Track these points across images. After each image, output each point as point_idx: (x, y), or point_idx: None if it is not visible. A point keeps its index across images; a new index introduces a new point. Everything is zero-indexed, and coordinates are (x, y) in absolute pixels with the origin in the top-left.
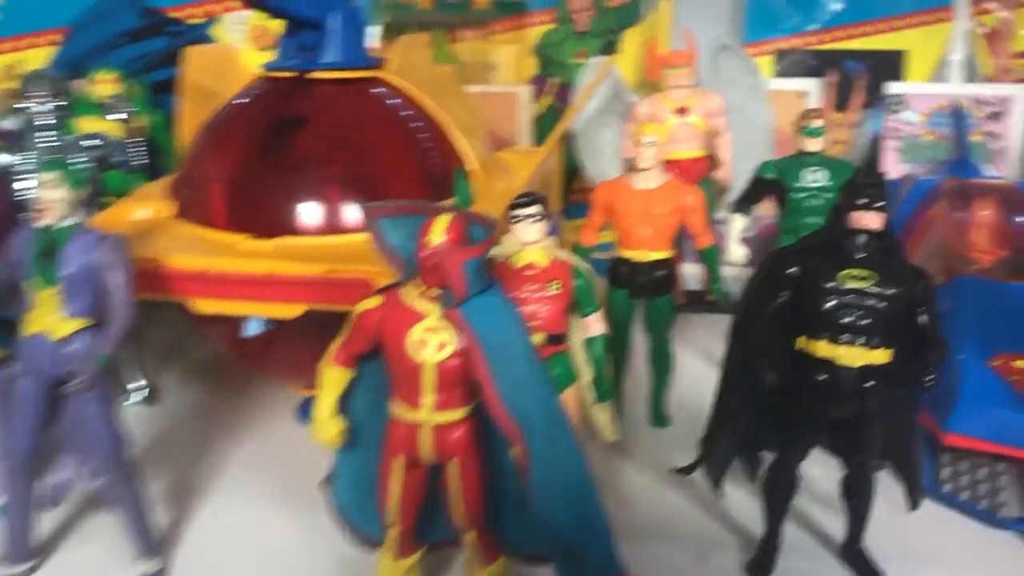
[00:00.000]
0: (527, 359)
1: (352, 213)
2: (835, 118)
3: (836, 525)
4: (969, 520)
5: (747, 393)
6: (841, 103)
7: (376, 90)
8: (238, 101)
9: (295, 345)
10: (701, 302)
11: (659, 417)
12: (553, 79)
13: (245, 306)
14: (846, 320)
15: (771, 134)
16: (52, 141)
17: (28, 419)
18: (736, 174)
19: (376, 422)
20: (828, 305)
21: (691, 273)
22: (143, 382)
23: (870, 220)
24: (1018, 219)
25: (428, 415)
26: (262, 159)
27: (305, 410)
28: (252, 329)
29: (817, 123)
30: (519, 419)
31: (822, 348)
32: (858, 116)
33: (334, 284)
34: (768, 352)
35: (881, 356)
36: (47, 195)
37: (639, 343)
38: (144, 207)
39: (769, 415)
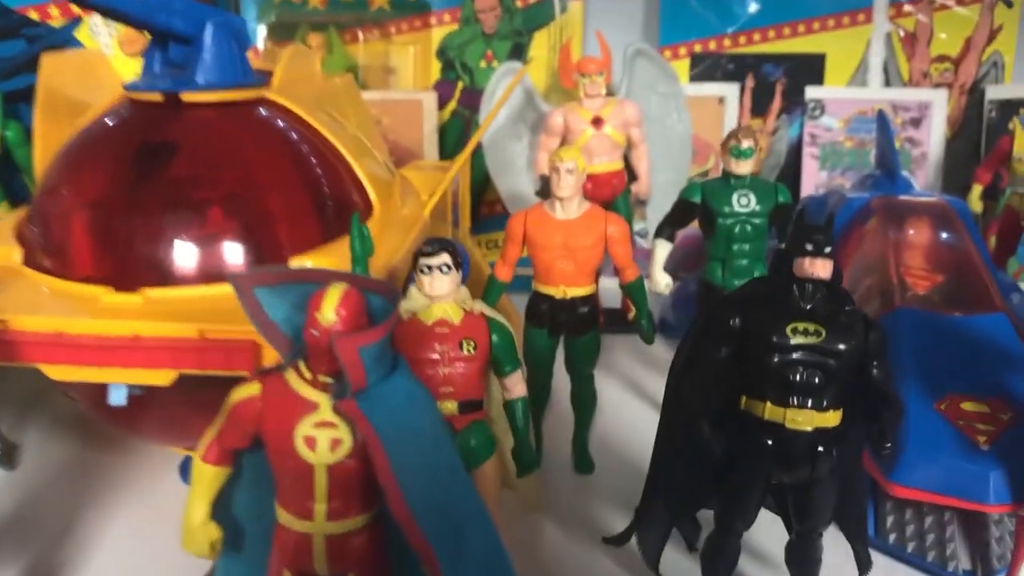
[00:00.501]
0: (440, 452)
1: (233, 258)
2: (753, 124)
3: None
4: (917, 572)
5: (685, 456)
6: (759, 108)
7: (260, 113)
8: (97, 128)
9: (170, 403)
10: (620, 321)
11: (583, 463)
12: (458, 83)
13: (107, 373)
14: (795, 379)
15: (689, 143)
16: None
17: None
18: (653, 186)
19: (258, 523)
20: (775, 362)
21: (608, 287)
22: None
23: (819, 268)
24: (952, 241)
25: (320, 525)
26: (126, 197)
27: (187, 469)
28: (117, 398)
29: (747, 144)
30: (431, 528)
31: (769, 410)
32: (776, 122)
33: (211, 347)
34: (708, 413)
35: (832, 418)
36: None
37: (559, 380)
38: None
39: (709, 480)
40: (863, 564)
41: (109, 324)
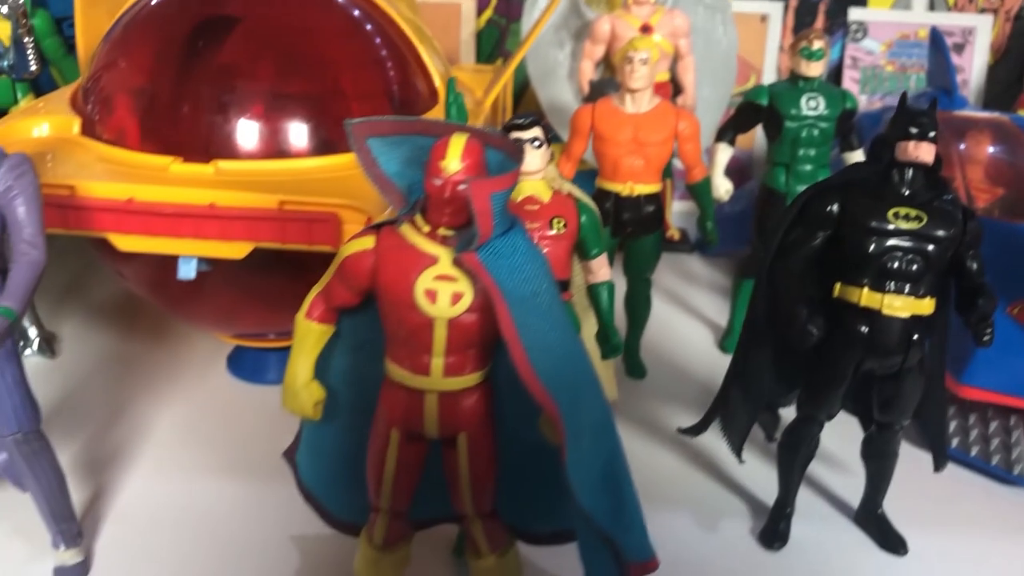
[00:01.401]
0: (556, 313)
1: (304, 134)
2: None
3: (846, 488)
4: (981, 477)
5: (773, 346)
6: (801, 28)
7: None
8: (158, 1)
9: (231, 285)
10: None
11: (636, 367)
12: None
13: (178, 244)
14: (894, 265)
15: (734, 58)
16: None
17: None
18: (696, 101)
19: (354, 390)
20: (875, 248)
21: None
22: (34, 329)
23: (923, 152)
24: (1013, 156)
25: (436, 380)
26: (191, 67)
27: (237, 362)
28: (188, 271)
29: (819, 45)
30: (551, 382)
31: (866, 296)
32: None
33: (291, 219)
34: (805, 300)
35: (928, 306)
36: None
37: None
38: (39, 122)
39: (795, 370)
40: (940, 462)
41: (184, 192)
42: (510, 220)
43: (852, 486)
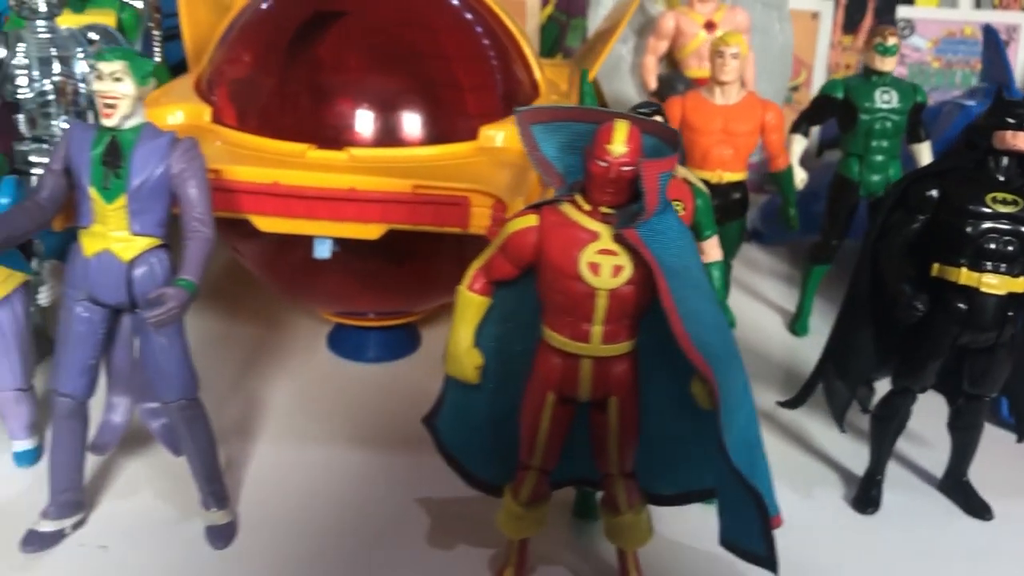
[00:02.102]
0: (705, 286)
1: (422, 124)
2: (843, 42)
3: (928, 460)
4: None
5: (873, 323)
6: (850, 26)
7: None
8: None
9: (342, 268)
10: None
11: None
12: None
13: (316, 225)
14: (991, 246)
15: (790, 55)
16: (47, 33)
17: (87, 352)
18: None
19: (501, 358)
20: (972, 230)
21: None
22: None
23: (1020, 141)
24: None
25: (595, 347)
26: (315, 60)
27: (337, 341)
28: (324, 251)
29: (893, 41)
30: (704, 351)
31: (964, 275)
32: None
33: (423, 202)
34: (909, 277)
35: (1023, 284)
36: (111, 89)
37: None
38: (174, 110)
39: (892, 345)
40: None
41: (326, 176)
42: (664, 201)
43: (933, 457)
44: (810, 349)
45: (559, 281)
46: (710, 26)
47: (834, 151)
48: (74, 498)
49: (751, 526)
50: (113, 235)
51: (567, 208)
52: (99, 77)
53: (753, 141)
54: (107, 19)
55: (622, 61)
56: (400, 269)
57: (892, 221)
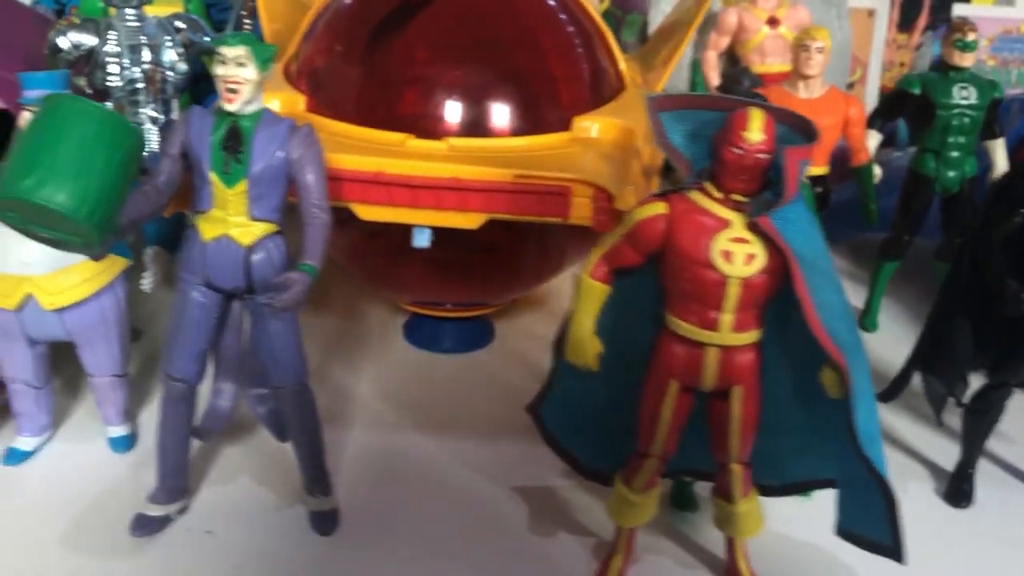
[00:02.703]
0: (833, 276)
1: (517, 114)
2: (898, 39)
3: (1017, 457)
4: None
5: (970, 315)
6: (905, 23)
7: None
8: None
9: (426, 258)
10: None
11: None
12: None
13: (417, 214)
14: None
15: (848, 51)
16: (136, 21)
17: (201, 338)
18: None
19: (614, 346)
20: None
21: None
22: None
23: None
24: None
25: (724, 336)
26: (409, 49)
27: (414, 331)
28: (423, 240)
29: (972, 36)
30: (836, 337)
31: None
32: (920, 38)
33: (525, 192)
34: (1010, 273)
35: None
36: (234, 74)
37: None
38: (271, 99)
39: (989, 340)
40: None
41: (429, 166)
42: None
43: (1019, 452)
44: (881, 345)
45: (689, 269)
46: (773, 22)
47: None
48: (181, 484)
49: (876, 515)
50: (232, 220)
51: (696, 196)
52: (222, 62)
53: (835, 135)
54: (174, 9)
55: (683, 56)
56: (484, 260)
57: (993, 214)
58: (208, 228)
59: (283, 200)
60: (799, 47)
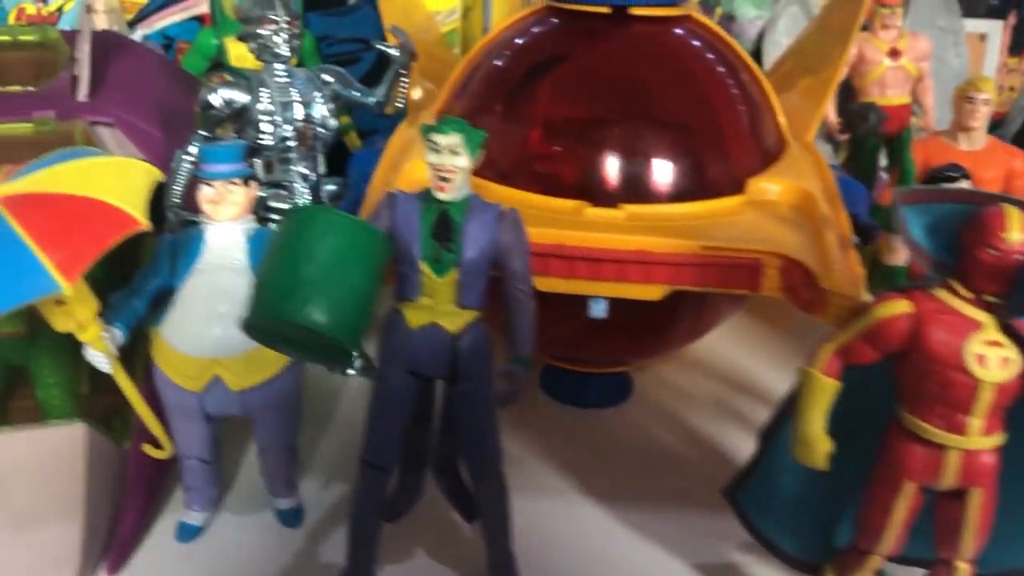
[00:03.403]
0: None
1: (689, 175)
2: (1008, 63)
3: None
4: None
5: None
6: (1016, 47)
7: (695, 29)
8: (524, 39)
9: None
10: None
11: None
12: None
13: (595, 286)
14: None
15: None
16: (285, 76)
17: (401, 424)
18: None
19: (833, 436)
20: None
21: None
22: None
23: None
24: None
25: (971, 440)
26: (580, 105)
27: (552, 384)
28: (600, 311)
29: None
30: None
31: None
32: None
33: (713, 264)
34: None
35: None
36: (449, 163)
37: None
38: None
39: None
40: None
41: (616, 238)
42: None
43: None
44: None
45: (938, 372)
46: (894, 53)
47: None
48: (373, 565)
49: None
50: (441, 308)
51: (943, 294)
52: (435, 150)
53: (997, 189)
54: None
55: None
56: (643, 321)
57: None
58: (415, 316)
59: (487, 285)
60: (963, 98)
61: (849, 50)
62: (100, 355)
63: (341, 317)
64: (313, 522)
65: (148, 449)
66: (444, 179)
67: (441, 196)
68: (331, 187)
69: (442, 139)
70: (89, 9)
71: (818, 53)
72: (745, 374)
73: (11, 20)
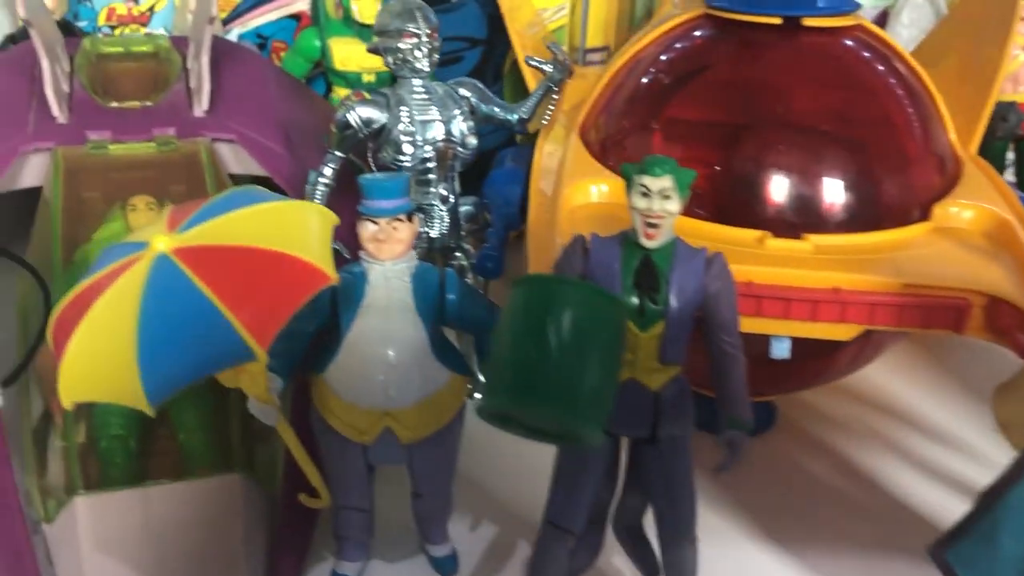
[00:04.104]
0: None
1: (870, 202)
2: None
3: None
4: None
5: None
6: None
7: (869, 40)
8: (682, 51)
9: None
10: None
11: None
12: None
13: (782, 324)
14: None
15: None
16: (424, 93)
17: (594, 487)
18: None
19: None
20: None
21: None
22: None
23: None
24: None
25: None
26: (752, 125)
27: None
28: (783, 351)
29: None
30: None
31: None
32: None
33: (913, 306)
34: None
35: None
36: (659, 209)
37: None
38: (599, 182)
39: None
40: None
41: (810, 275)
42: None
43: None
44: None
45: None
46: None
47: None
48: None
49: None
50: (642, 364)
51: None
52: (644, 194)
53: None
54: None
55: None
56: (804, 353)
57: None
58: None
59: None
60: None
61: (1008, 50)
62: (266, 408)
63: (590, 409)
64: (469, 570)
65: (305, 499)
66: (653, 225)
67: (647, 244)
68: (467, 208)
69: (653, 183)
70: (211, 20)
71: (963, 54)
72: (894, 398)
73: (101, 20)
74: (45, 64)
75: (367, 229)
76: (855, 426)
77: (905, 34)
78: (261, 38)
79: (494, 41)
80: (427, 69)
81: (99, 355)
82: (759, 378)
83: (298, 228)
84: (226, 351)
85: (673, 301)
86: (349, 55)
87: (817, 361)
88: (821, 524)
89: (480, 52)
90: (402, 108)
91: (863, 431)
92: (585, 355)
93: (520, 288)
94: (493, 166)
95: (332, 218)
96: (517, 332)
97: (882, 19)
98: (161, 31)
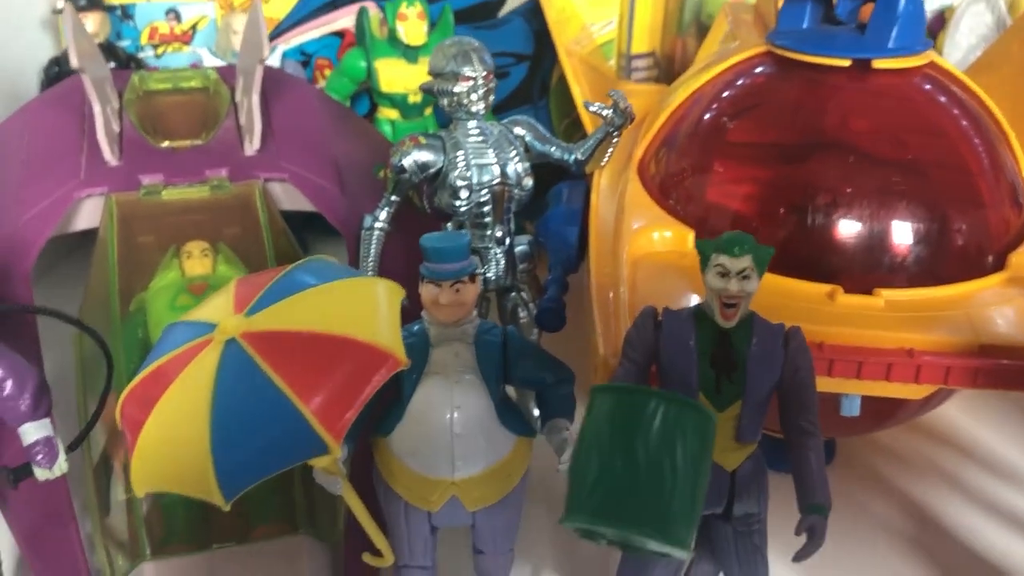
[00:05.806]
0: None
1: (947, 253)
2: None
3: None
4: None
5: None
6: None
7: (942, 81)
8: (746, 92)
9: None
10: None
11: None
12: None
13: (856, 385)
14: None
15: None
16: (479, 135)
17: (665, 570)
18: None
19: None
20: None
21: None
22: None
23: None
24: None
25: None
26: (822, 172)
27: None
28: (852, 409)
29: None
30: None
31: None
32: None
33: (991, 369)
34: None
35: None
36: (738, 289)
37: None
38: (663, 229)
39: None
40: None
41: (885, 336)
42: None
43: None
44: None
45: None
46: None
47: None
48: None
49: None
50: (719, 444)
51: None
52: (722, 274)
53: None
54: None
55: None
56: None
57: None
58: None
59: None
60: None
61: None
62: (333, 478)
63: (680, 528)
64: None
65: (368, 558)
66: (731, 306)
67: (725, 324)
68: (523, 248)
69: (732, 263)
70: (262, 61)
71: None
72: (958, 431)
73: (144, 39)
74: (97, 109)
75: (429, 292)
76: (916, 460)
77: (964, 42)
78: (304, 55)
79: (540, 56)
80: (483, 111)
81: (172, 445)
82: (824, 425)
83: (367, 308)
84: (299, 443)
85: (751, 381)
86: (395, 76)
87: (884, 411)
88: (880, 562)
89: (526, 67)
90: (458, 152)
91: (924, 465)
92: (676, 472)
93: (604, 397)
94: (548, 201)
95: (399, 292)
96: (603, 447)
97: (938, 21)
98: (204, 51)
